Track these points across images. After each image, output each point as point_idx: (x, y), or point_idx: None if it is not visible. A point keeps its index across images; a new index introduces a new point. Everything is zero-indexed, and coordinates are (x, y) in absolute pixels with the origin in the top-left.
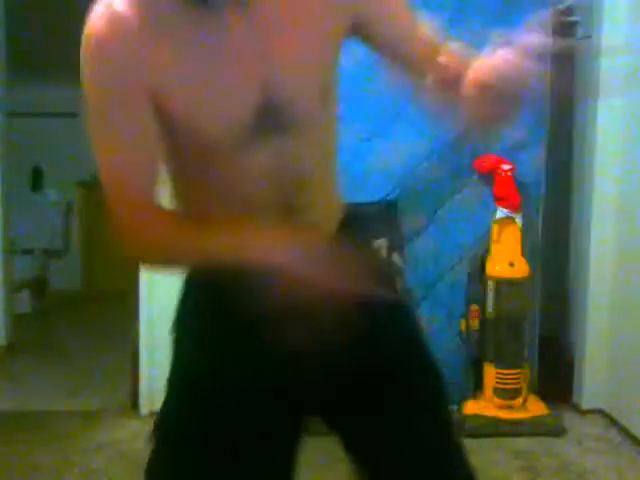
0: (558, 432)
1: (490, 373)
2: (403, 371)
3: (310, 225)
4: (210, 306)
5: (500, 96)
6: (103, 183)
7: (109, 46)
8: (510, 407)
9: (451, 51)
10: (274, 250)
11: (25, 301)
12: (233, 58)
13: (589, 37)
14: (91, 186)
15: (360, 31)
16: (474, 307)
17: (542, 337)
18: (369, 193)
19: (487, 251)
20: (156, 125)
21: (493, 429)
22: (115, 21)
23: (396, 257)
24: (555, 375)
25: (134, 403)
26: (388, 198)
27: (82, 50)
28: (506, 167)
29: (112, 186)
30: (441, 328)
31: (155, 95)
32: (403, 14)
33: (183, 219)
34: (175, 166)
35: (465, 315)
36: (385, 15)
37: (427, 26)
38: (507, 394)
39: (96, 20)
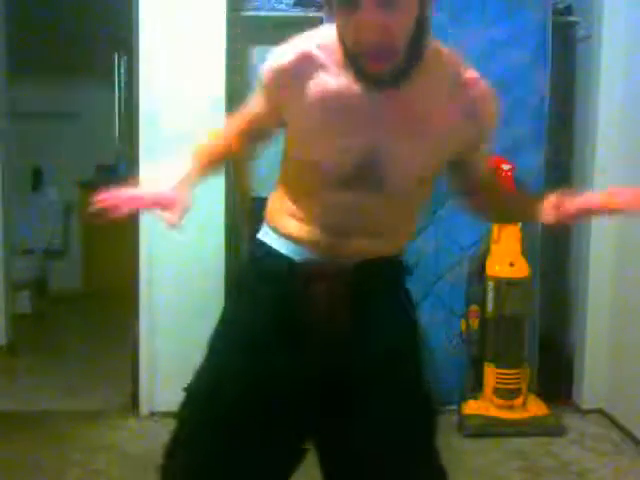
0: (558, 432)
1: (490, 373)
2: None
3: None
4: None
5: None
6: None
7: (282, 66)
8: (510, 407)
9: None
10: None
11: (25, 301)
12: (365, 114)
13: (589, 37)
14: (91, 186)
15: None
16: (474, 307)
17: (542, 337)
18: None
19: (487, 251)
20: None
21: (493, 429)
22: (296, 53)
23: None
24: (555, 375)
25: (134, 403)
26: None
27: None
28: (506, 167)
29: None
30: (441, 328)
31: (289, 105)
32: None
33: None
34: (288, 170)
35: (465, 315)
36: (482, 144)
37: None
38: (507, 394)
39: (288, 47)
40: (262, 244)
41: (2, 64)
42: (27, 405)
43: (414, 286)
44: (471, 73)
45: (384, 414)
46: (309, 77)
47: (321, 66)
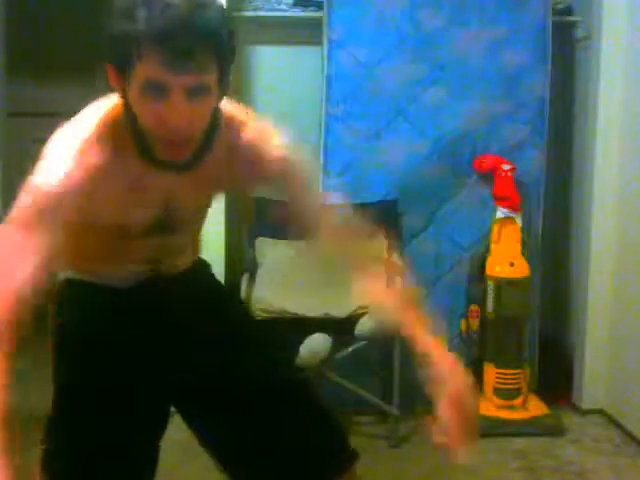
0: (558, 432)
1: (490, 373)
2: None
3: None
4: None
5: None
6: None
7: (59, 193)
8: (510, 407)
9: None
10: None
11: None
12: (160, 189)
13: (589, 37)
14: None
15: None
16: (474, 307)
17: (542, 337)
18: (369, 193)
19: (487, 251)
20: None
21: (493, 429)
22: (73, 171)
23: (396, 257)
24: (555, 375)
25: None
26: (388, 198)
27: (37, 173)
28: (506, 167)
29: None
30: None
31: (84, 211)
32: (304, 194)
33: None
34: (75, 240)
35: (465, 315)
36: (289, 191)
37: (319, 196)
38: (507, 394)
39: (56, 160)
40: (75, 283)
41: (2, 64)
42: (27, 405)
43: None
44: (248, 129)
45: (217, 347)
46: (98, 190)
47: (106, 171)
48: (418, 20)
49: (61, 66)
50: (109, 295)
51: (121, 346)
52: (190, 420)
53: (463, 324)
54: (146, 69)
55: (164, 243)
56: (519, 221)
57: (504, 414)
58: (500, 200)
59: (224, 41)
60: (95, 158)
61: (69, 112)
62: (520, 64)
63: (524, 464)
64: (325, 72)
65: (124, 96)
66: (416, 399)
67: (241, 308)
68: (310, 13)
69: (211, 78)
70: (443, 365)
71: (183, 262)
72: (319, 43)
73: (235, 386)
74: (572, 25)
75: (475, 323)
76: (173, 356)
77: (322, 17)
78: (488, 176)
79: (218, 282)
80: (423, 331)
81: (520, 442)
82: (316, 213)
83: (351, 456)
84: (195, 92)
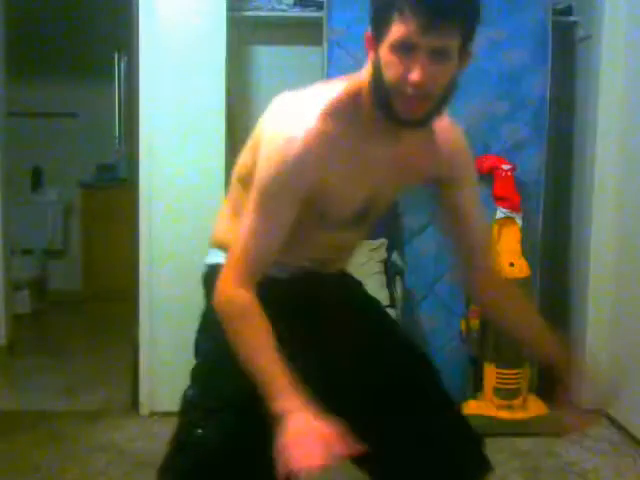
0: (558, 432)
1: (490, 373)
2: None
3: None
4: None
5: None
6: (233, 246)
7: (297, 153)
8: (510, 407)
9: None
10: (284, 412)
11: (25, 301)
12: (374, 170)
13: (589, 37)
14: (91, 186)
15: (441, 187)
16: (474, 307)
17: None
18: None
19: None
20: (295, 215)
21: (493, 429)
22: (310, 132)
23: (396, 257)
24: (555, 375)
25: (134, 403)
26: None
27: (272, 140)
28: (506, 167)
29: (238, 253)
30: (441, 328)
31: (313, 189)
32: (476, 200)
33: (257, 315)
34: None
35: (465, 315)
36: (464, 187)
37: (486, 228)
38: (507, 394)
39: (294, 122)
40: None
41: (2, 64)
42: (27, 405)
43: (414, 286)
44: (448, 124)
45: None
46: (330, 157)
47: (337, 140)
48: None
49: (61, 66)
50: (266, 283)
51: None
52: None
53: (463, 324)
54: (400, 30)
55: (345, 242)
56: (519, 221)
57: (504, 414)
58: (500, 200)
59: (472, 12)
60: (332, 126)
61: (69, 112)
62: (520, 64)
63: (524, 464)
64: (325, 72)
65: (374, 56)
66: None
67: (390, 319)
68: (310, 13)
69: (454, 44)
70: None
71: (338, 268)
72: (319, 43)
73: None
74: (572, 25)
75: (475, 323)
76: (322, 350)
77: (322, 17)
78: (488, 176)
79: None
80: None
81: (520, 442)
82: (482, 233)
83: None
84: (438, 54)
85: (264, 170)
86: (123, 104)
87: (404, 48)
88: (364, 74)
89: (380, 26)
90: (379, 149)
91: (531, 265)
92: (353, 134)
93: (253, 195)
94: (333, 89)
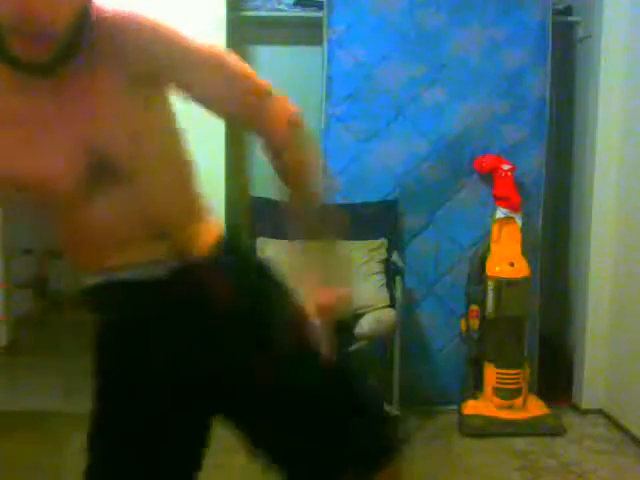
0: (558, 432)
1: (490, 373)
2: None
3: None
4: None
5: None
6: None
7: None
8: (510, 407)
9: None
10: None
11: (25, 301)
12: (51, 124)
13: (589, 37)
14: None
15: (179, 89)
16: (474, 307)
17: (542, 337)
18: (369, 193)
19: (487, 251)
20: None
21: (493, 429)
22: None
23: (396, 257)
24: (555, 375)
25: None
26: (388, 198)
27: None
28: (506, 167)
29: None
30: (441, 328)
31: None
32: (213, 79)
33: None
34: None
35: (465, 315)
36: (194, 81)
37: (251, 82)
38: (507, 394)
39: None
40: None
41: None
42: (27, 405)
43: (414, 286)
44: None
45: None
46: None
47: None
48: (418, 20)
49: None
50: (135, 294)
51: (153, 357)
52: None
53: (463, 324)
54: None
55: (127, 200)
56: (519, 221)
57: (504, 414)
58: (500, 200)
59: None
60: None
61: None
62: (520, 64)
63: (524, 464)
64: (325, 72)
65: None
66: (416, 399)
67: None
68: (310, 13)
69: None
70: None
71: (198, 237)
72: (319, 43)
73: (274, 386)
74: (572, 25)
75: (475, 323)
76: (210, 355)
77: (322, 17)
78: (488, 176)
79: (267, 282)
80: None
81: (520, 442)
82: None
83: (388, 451)
84: None
85: None
86: None
87: None
88: None
89: None
90: (31, 101)
91: (531, 265)
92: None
93: None
94: None
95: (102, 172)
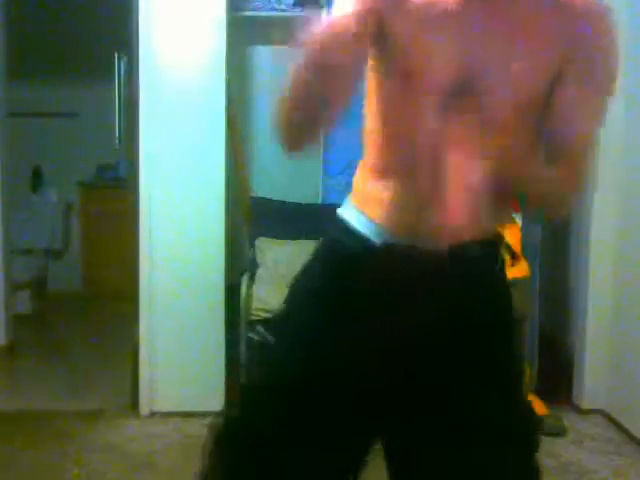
0: (558, 432)
1: None
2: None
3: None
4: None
5: None
6: None
7: None
8: None
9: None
10: None
11: (25, 301)
12: (463, 26)
13: None
14: (91, 186)
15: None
16: None
17: (542, 337)
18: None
19: None
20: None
21: None
22: None
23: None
24: (555, 375)
25: (134, 403)
26: None
27: None
28: None
29: None
30: None
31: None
32: (593, 74)
33: None
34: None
35: None
36: (569, 83)
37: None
38: None
39: None
40: (340, 221)
41: (2, 64)
42: (27, 405)
43: None
44: None
45: (472, 420)
46: None
47: None
48: None
49: (61, 66)
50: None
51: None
52: (396, 454)
53: None
54: None
55: (452, 131)
56: (519, 221)
57: None
58: None
59: None
60: None
61: (69, 112)
62: None
63: None
64: None
65: None
66: None
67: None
68: (310, 13)
69: None
70: None
71: (470, 219)
72: None
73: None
74: None
75: None
76: (397, 373)
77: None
78: None
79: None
80: None
81: None
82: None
83: None
84: None
85: None
86: (123, 104)
87: None
88: None
89: None
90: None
91: (531, 265)
92: None
93: None
94: None
95: (463, 88)
